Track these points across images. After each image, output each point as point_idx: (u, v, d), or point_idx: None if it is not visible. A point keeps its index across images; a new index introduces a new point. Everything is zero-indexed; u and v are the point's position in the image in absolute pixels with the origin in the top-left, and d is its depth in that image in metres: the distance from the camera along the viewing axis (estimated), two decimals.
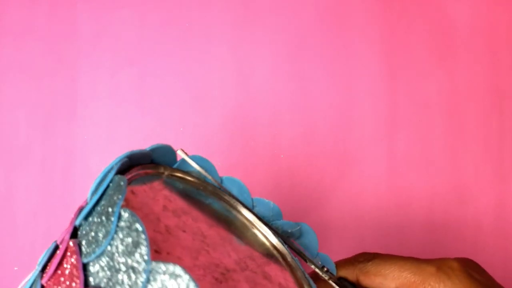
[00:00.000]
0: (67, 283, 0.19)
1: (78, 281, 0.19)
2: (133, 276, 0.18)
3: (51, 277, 0.20)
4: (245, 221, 0.31)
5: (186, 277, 0.17)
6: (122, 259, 0.19)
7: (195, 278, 0.18)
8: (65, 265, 0.20)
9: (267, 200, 0.32)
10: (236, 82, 0.47)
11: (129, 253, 0.19)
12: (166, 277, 0.18)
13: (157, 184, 0.27)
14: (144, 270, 0.18)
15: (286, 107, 0.47)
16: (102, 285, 0.19)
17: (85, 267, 0.20)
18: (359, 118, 0.47)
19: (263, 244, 0.30)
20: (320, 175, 0.47)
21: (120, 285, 0.18)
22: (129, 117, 0.47)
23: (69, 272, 0.20)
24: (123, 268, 0.19)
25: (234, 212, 0.31)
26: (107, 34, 0.48)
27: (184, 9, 0.48)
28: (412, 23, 0.48)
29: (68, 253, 0.20)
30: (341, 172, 0.46)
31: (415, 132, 0.47)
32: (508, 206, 0.46)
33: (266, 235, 0.31)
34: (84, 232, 0.21)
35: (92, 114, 0.48)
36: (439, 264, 0.28)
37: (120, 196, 0.20)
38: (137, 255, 0.18)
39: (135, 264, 0.18)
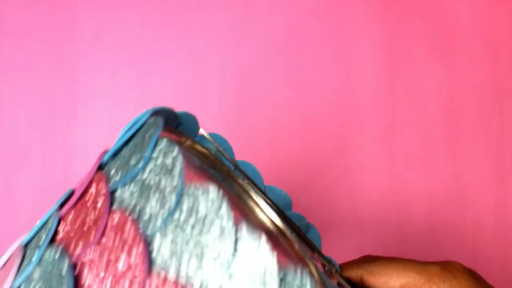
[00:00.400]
0: (90, 209, 0.18)
1: (103, 204, 0.18)
2: (164, 195, 0.18)
3: (71, 208, 0.19)
4: (255, 207, 0.30)
5: (219, 196, 0.17)
6: (155, 181, 0.18)
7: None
8: (88, 195, 0.19)
9: (279, 189, 0.31)
10: (236, 82, 0.47)
11: (164, 174, 0.18)
12: (198, 195, 0.17)
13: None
14: (177, 192, 0.17)
15: (286, 107, 0.47)
16: (130, 208, 0.18)
17: (112, 194, 0.19)
18: (359, 118, 0.47)
19: (270, 231, 0.30)
20: (320, 175, 0.47)
21: (147, 206, 0.18)
22: (129, 117, 0.47)
23: (93, 199, 0.19)
24: (154, 190, 0.18)
25: (245, 197, 0.31)
26: (107, 34, 0.48)
27: (184, 9, 0.48)
28: (412, 23, 0.48)
29: (94, 183, 0.19)
30: (341, 172, 0.46)
31: (415, 132, 0.47)
32: (508, 206, 0.46)
33: (276, 223, 0.31)
34: (111, 166, 0.20)
35: (92, 114, 0.48)
36: (444, 264, 0.28)
37: (157, 128, 0.19)
38: (170, 178, 0.18)
39: (168, 187, 0.18)
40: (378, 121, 0.47)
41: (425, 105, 0.47)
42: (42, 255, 0.18)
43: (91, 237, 0.18)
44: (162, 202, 0.18)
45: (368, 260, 0.30)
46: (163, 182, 0.18)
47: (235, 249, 0.17)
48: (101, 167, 0.21)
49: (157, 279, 0.16)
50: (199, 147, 0.29)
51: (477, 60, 0.47)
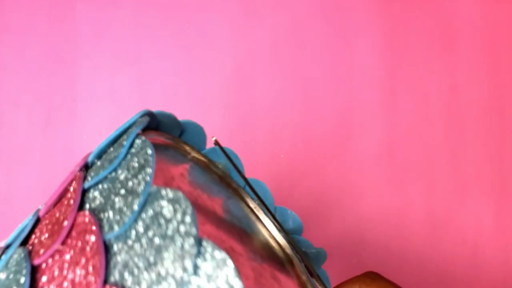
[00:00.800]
0: (63, 210, 0.18)
1: (72, 204, 0.17)
2: (129, 198, 0.17)
3: (50, 208, 0.19)
4: (262, 230, 0.28)
5: (185, 203, 0.16)
6: (123, 182, 0.17)
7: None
8: (68, 194, 0.18)
9: (290, 211, 0.30)
10: (236, 82, 0.47)
11: (132, 176, 0.17)
12: (165, 202, 0.16)
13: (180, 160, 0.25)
14: (143, 192, 0.16)
15: (286, 107, 0.47)
16: (98, 209, 0.17)
17: (85, 193, 0.18)
18: (359, 118, 0.47)
19: (276, 257, 0.28)
20: (320, 175, 0.47)
21: (112, 208, 0.17)
22: (129, 117, 0.47)
23: (68, 199, 0.18)
24: (121, 191, 0.17)
25: (253, 218, 0.29)
26: (107, 34, 0.48)
27: (184, 9, 0.48)
28: (413, 22, 0.48)
29: (74, 182, 0.19)
30: (341, 172, 0.46)
31: (415, 132, 0.47)
32: (509, 206, 0.46)
33: (283, 248, 0.29)
34: (93, 166, 0.19)
35: (92, 114, 0.48)
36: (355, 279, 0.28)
37: (136, 128, 0.19)
38: (140, 177, 0.17)
39: (135, 187, 0.17)
40: (378, 121, 0.47)
41: (425, 105, 0.47)
42: (10, 257, 0.18)
43: (56, 238, 0.17)
44: (126, 207, 0.17)
45: (368, 279, 0.30)
46: (130, 185, 0.17)
47: (196, 267, 0.15)
48: (87, 167, 0.20)
49: None
50: (204, 160, 0.27)
51: (478, 59, 0.47)
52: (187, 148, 0.27)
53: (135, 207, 0.16)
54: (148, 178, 0.16)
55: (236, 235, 0.25)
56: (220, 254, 0.15)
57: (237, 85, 0.47)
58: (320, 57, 0.47)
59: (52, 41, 0.48)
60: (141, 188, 0.16)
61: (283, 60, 0.48)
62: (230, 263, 0.15)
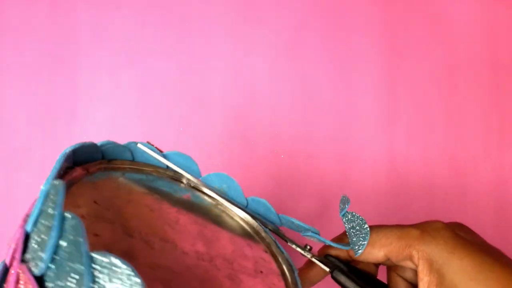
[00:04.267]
0: None
1: None
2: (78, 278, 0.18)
3: None
4: (219, 206, 0.32)
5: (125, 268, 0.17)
6: (67, 264, 0.18)
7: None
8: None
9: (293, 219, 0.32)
10: (236, 82, 0.47)
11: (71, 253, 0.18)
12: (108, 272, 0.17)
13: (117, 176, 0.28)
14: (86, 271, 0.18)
15: (286, 107, 0.47)
16: None
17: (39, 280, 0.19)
18: (359, 118, 0.47)
19: (238, 225, 0.32)
20: (320, 175, 0.47)
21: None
22: (129, 117, 0.47)
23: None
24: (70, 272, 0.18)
25: (210, 201, 0.32)
26: (107, 34, 0.48)
27: (184, 9, 0.48)
28: (413, 22, 0.48)
29: (21, 281, 0.20)
30: (341, 172, 0.46)
31: (415, 132, 0.47)
32: (508, 204, 0.46)
33: (246, 221, 0.32)
34: (34, 241, 0.21)
35: (92, 114, 0.48)
36: (424, 226, 0.28)
37: (58, 200, 0.20)
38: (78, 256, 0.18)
39: (77, 267, 0.18)
40: (378, 121, 0.47)
41: (425, 105, 0.47)
42: None
43: None
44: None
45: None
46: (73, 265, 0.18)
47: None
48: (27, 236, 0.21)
49: None
50: (137, 166, 0.31)
51: (478, 58, 0.47)
52: (118, 163, 0.30)
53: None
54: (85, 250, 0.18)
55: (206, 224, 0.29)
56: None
57: (237, 86, 0.47)
58: (320, 57, 0.47)
59: (52, 41, 0.48)
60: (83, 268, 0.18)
61: (283, 60, 0.48)
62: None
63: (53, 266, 0.19)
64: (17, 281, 0.20)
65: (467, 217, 0.46)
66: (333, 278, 0.30)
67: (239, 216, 0.32)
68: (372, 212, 0.46)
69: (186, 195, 0.31)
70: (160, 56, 0.48)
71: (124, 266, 0.17)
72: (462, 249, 0.26)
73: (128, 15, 0.48)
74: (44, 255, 0.19)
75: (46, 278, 0.19)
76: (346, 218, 0.30)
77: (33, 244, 0.21)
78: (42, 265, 0.19)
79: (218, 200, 0.32)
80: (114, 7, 0.48)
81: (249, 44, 0.48)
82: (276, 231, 0.32)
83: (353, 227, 0.29)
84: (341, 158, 0.47)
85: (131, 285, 0.17)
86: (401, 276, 0.30)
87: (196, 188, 0.32)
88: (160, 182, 0.31)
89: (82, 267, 0.18)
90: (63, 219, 0.19)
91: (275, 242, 0.31)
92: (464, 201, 0.46)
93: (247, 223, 0.32)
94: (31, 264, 0.20)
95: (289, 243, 0.31)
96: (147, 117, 0.47)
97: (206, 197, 0.32)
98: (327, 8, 0.48)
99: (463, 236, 0.27)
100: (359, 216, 0.30)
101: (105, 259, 0.17)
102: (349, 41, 0.48)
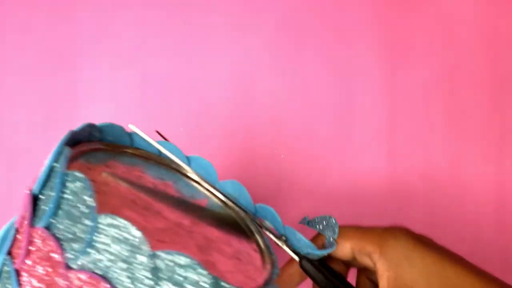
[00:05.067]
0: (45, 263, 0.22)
1: (56, 256, 0.21)
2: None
3: (25, 256, 0.22)
4: (198, 186, 0.34)
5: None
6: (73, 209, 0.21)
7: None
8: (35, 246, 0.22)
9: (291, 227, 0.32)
10: (236, 82, 0.47)
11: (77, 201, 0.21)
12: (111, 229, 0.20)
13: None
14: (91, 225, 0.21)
15: (286, 107, 0.47)
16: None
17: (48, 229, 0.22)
18: (359, 118, 0.47)
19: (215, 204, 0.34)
20: (321, 175, 0.47)
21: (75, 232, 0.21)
22: (129, 117, 0.47)
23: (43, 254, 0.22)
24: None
25: (201, 188, 0.34)
26: (107, 34, 0.48)
27: (184, 9, 0.48)
28: (413, 22, 0.47)
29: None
30: (341, 172, 0.46)
31: (415, 133, 0.47)
32: (508, 204, 0.46)
33: (230, 207, 0.34)
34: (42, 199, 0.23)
35: (92, 114, 0.48)
36: (388, 227, 0.29)
37: (63, 163, 0.23)
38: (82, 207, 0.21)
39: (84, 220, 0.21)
40: (378, 122, 0.47)
41: (426, 104, 0.47)
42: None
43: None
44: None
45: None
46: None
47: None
48: (34, 199, 0.24)
49: None
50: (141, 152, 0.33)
51: (478, 57, 0.47)
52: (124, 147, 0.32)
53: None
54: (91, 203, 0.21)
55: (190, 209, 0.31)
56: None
57: (237, 86, 0.47)
58: (320, 57, 0.47)
59: (52, 41, 0.48)
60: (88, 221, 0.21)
61: (283, 60, 0.47)
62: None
63: (60, 219, 0.21)
64: (31, 241, 0.22)
65: (467, 220, 0.46)
66: (302, 267, 0.30)
67: (235, 210, 0.33)
68: (371, 213, 0.46)
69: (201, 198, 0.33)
70: (160, 56, 0.48)
71: (124, 222, 0.20)
72: (423, 248, 0.27)
73: (128, 15, 0.48)
74: (48, 210, 0.22)
75: (53, 228, 0.22)
76: (312, 223, 0.32)
77: (41, 205, 0.23)
78: (47, 220, 0.21)
79: (228, 204, 0.33)
80: (114, 7, 0.48)
81: (249, 44, 0.48)
82: (253, 219, 0.33)
83: (323, 227, 0.32)
84: (341, 158, 0.47)
85: (133, 236, 0.20)
86: (370, 279, 0.32)
87: (208, 191, 0.34)
88: (181, 183, 0.33)
89: (89, 222, 0.21)
90: (72, 176, 0.22)
91: (270, 249, 0.32)
92: (464, 204, 0.46)
93: (242, 219, 0.33)
94: (40, 223, 0.22)
95: (264, 230, 0.32)
96: (147, 117, 0.47)
97: (220, 202, 0.34)
98: (327, 8, 0.48)
99: (419, 237, 0.29)
100: (324, 215, 0.32)
101: (109, 217, 0.20)
102: (349, 42, 0.47)
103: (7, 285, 0.23)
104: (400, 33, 0.48)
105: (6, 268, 0.23)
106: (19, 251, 0.22)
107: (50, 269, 0.21)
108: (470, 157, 0.46)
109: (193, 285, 0.21)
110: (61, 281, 0.21)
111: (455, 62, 0.47)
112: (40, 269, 0.21)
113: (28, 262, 0.22)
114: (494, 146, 0.46)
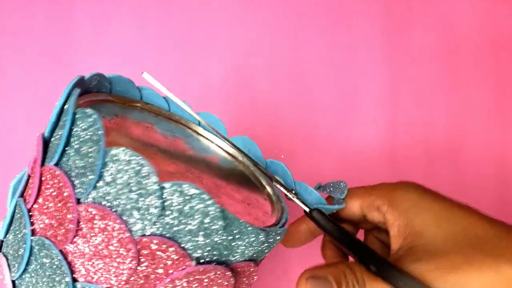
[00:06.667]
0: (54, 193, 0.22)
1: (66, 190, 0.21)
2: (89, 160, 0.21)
3: (36, 198, 0.23)
4: (209, 142, 0.34)
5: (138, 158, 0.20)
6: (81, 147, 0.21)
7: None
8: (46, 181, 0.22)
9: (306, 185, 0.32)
10: (236, 82, 0.47)
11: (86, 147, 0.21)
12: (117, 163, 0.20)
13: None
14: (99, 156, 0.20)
15: (286, 107, 0.47)
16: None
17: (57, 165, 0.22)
18: (359, 118, 0.47)
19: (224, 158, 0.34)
20: (321, 175, 0.47)
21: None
22: None
23: (55, 192, 0.22)
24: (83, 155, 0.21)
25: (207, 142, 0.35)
26: (107, 34, 0.48)
27: (184, 9, 0.48)
28: (414, 18, 0.47)
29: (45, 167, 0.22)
30: (342, 172, 0.46)
31: (417, 132, 0.47)
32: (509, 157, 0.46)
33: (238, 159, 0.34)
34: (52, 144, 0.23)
35: None
36: (395, 182, 0.30)
37: (72, 101, 0.22)
38: (93, 148, 0.21)
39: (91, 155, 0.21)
40: (378, 122, 0.47)
41: (426, 104, 0.47)
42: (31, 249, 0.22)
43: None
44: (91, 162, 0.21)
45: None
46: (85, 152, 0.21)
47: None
48: (45, 142, 0.24)
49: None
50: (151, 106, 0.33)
51: (478, 56, 0.47)
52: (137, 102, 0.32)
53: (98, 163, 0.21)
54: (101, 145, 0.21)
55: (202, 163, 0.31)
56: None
57: (237, 85, 0.47)
58: (321, 57, 0.47)
59: (51, 41, 0.48)
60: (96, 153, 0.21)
61: (283, 60, 0.47)
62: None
63: (69, 155, 0.21)
64: (41, 180, 0.23)
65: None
66: (313, 218, 0.29)
67: (250, 168, 0.33)
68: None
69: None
70: (160, 56, 0.48)
71: (133, 153, 0.20)
72: (431, 196, 0.28)
73: (127, 15, 0.48)
74: (58, 147, 0.22)
75: (63, 165, 0.22)
76: (323, 188, 0.32)
77: (52, 146, 0.23)
78: (58, 157, 0.22)
79: (239, 159, 0.33)
80: (113, 6, 0.48)
81: (248, 44, 0.48)
82: (264, 172, 0.32)
83: (333, 189, 0.32)
84: (341, 158, 0.47)
85: (142, 166, 0.20)
86: (377, 238, 0.32)
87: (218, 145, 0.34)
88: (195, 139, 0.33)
89: (98, 156, 0.20)
90: (82, 112, 0.21)
91: (280, 198, 0.32)
92: (467, 198, 0.46)
93: (252, 174, 0.33)
94: (50, 162, 0.22)
95: (275, 183, 0.31)
96: None
97: (229, 157, 0.34)
98: (328, 6, 0.48)
99: (431, 191, 0.29)
100: (335, 181, 0.32)
101: (118, 150, 0.20)
102: (350, 40, 0.47)
103: (20, 225, 0.23)
104: (402, 29, 0.47)
105: (19, 209, 0.23)
106: (30, 192, 0.23)
107: (60, 204, 0.21)
108: (472, 151, 0.46)
109: (201, 214, 0.21)
110: (71, 216, 0.21)
111: (458, 57, 0.47)
112: (51, 206, 0.22)
113: (40, 200, 0.22)
114: (496, 140, 0.46)
